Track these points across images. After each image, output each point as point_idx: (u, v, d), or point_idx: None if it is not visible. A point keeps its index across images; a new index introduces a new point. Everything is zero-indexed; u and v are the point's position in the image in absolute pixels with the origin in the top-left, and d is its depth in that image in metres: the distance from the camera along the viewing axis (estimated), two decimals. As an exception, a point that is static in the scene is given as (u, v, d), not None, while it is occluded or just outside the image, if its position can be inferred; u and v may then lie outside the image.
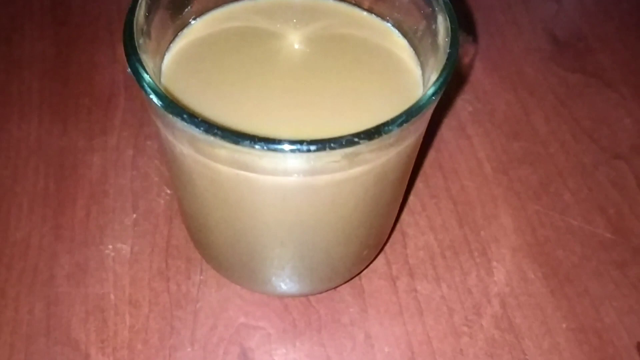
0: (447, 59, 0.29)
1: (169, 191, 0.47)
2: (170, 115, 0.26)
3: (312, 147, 0.25)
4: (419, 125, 0.31)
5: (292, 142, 0.25)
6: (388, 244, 0.45)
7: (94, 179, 0.47)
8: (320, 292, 0.42)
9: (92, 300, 0.41)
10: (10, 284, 0.42)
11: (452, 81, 0.54)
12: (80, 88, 0.53)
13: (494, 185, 0.49)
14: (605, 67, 0.58)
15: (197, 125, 0.26)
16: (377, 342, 0.41)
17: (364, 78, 0.35)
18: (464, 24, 0.60)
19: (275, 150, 0.25)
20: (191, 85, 0.33)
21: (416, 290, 0.43)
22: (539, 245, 0.46)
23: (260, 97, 0.33)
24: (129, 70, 0.28)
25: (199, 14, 0.37)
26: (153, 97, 0.27)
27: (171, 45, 0.35)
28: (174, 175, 0.35)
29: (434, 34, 0.32)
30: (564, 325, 0.42)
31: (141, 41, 0.30)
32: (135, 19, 0.30)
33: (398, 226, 0.46)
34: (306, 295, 0.42)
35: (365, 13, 0.38)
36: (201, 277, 0.43)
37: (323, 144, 0.25)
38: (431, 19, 0.32)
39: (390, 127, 0.26)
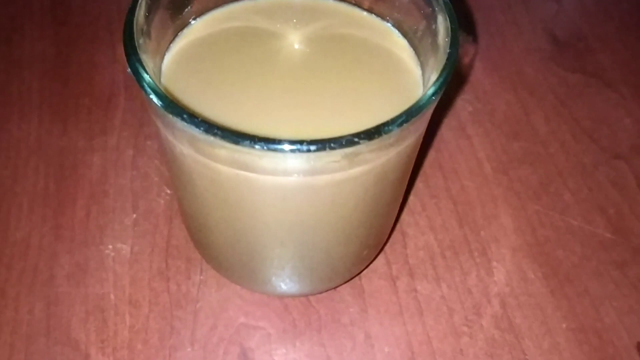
0: (447, 59, 0.29)
1: (169, 191, 0.47)
2: (170, 115, 0.26)
3: (312, 147, 0.25)
4: (419, 125, 0.31)
5: (292, 142, 0.25)
6: (388, 244, 0.45)
7: (94, 179, 0.47)
8: (321, 292, 0.42)
9: (92, 300, 0.41)
10: (10, 283, 0.42)
11: (452, 81, 0.54)
12: (80, 88, 0.53)
13: (494, 185, 0.49)
14: (605, 67, 0.58)
15: (197, 125, 0.26)
16: (377, 342, 0.41)
17: (364, 78, 0.35)
18: (464, 24, 0.60)
19: (275, 150, 0.25)
20: (191, 85, 0.33)
21: (416, 290, 0.43)
22: (539, 245, 0.46)
23: (260, 97, 0.33)
24: (129, 70, 0.28)
25: (199, 14, 0.37)
26: (153, 97, 0.27)
27: (171, 45, 0.35)
28: (174, 175, 0.35)
29: (434, 34, 0.32)
30: (564, 325, 0.42)
31: (141, 41, 0.30)
32: (135, 19, 0.30)
33: (398, 226, 0.46)
34: (306, 295, 0.42)
35: (365, 13, 0.38)
36: (201, 277, 0.43)
37: (323, 144, 0.25)
38: (431, 19, 0.32)
39: (390, 127, 0.26)
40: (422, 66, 0.35)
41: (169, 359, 0.39)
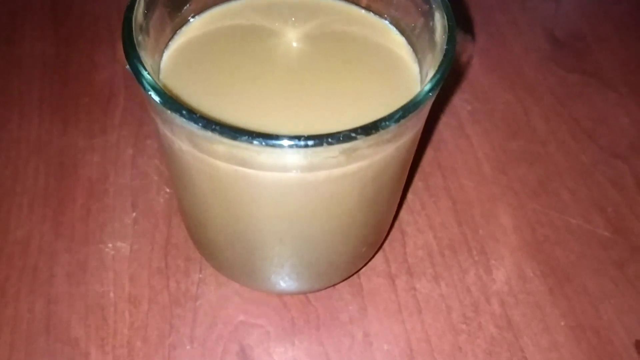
0: (444, 56, 0.29)
1: (168, 190, 0.47)
2: (169, 112, 0.26)
3: (310, 142, 0.25)
4: (417, 121, 0.31)
5: (290, 138, 0.25)
6: (387, 243, 0.45)
7: (94, 178, 0.47)
8: (319, 290, 0.42)
9: (92, 298, 0.42)
10: (11, 282, 0.42)
11: (451, 81, 0.55)
12: (80, 88, 0.53)
13: (493, 184, 0.49)
14: (604, 66, 0.58)
15: (196, 121, 0.26)
16: (376, 340, 0.41)
17: (362, 75, 0.35)
18: (463, 24, 0.60)
19: (273, 145, 0.25)
20: (189, 82, 0.34)
21: (415, 289, 0.43)
22: (538, 243, 0.46)
23: (258, 95, 0.34)
24: (127, 66, 0.28)
25: (198, 12, 0.37)
26: (152, 93, 0.27)
27: (170, 43, 0.35)
28: (173, 172, 0.35)
29: (432, 31, 0.32)
30: (562, 323, 0.42)
31: (140, 38, 0.30)
32: (134, 16, 0.30)
33: (397, 225, 0.46)
34: (305, 293, 0.42)
35: (363, 11, 0.38)
36: (200, 276, 0.43)
37: (321, 139, 0.25)
38: (428, 16, 0.32)
39: (387, 123, 0.26)
40: (420, 63, 0.35)
41: (168, 356, 0.40)
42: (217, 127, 0.25)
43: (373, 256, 0.43)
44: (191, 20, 0.37)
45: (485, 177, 0.49)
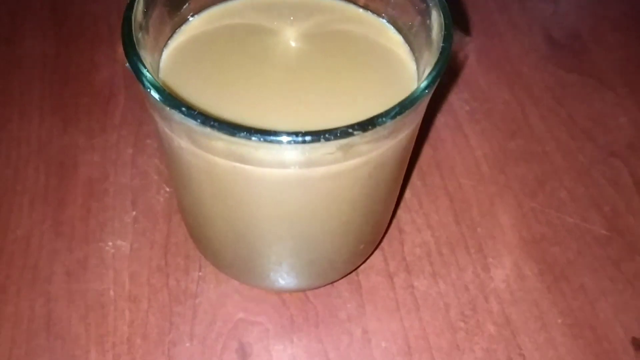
0: (441, 53, 0.29)
1: (168, 189, 0.47)
2: (168, 108, 0.27)
3: (307, 138, 0.26)
4: (413, 118, 0.31)
5: (287, 134, 0.26)
6: (385, 241, 0.45)
7: (94, 177, 0.48)
8: (318, 287, 0.42)
9: (92, 296, 0.42)
10: (12, 280, 0.42)
11: (450, 80, 0.55)
12: (81, 88, 0.53)
13: (491, 183, 0.49)
14: (601, 66, 0.58)
15: (195, 117, 0.26)
16: (374, 338, 0.41)
17: (360, 73, 0.35)
18: (461, 24, 0.60)
19: (271, 141, 0.26)
20: (188, 80, 0.34)
21: (413, 287, 0.43)
22: (535, 242, 0.46)
23: (257, 93, 0.34)
24: (127, 64, 0.28)
25: (197, 11, 0.37)
26: (151, 90, 0.27)
27: (169, 41, 0.36)
28: (173, 170, 0.35)
29: (428, 29, 0.32)
30: (559, 321, 0.42)
31: (139, 36, 0.30)
32: (133, 14, 0.30)
33: (395, 223, 0.46)
34: (304, 290, 0.43)
35: (361, 10, 0.38)
36: (200, 274, 0.43)
37: (318, 135, 0.26)
38: (425, 14, 0.32)
39: (384, 119, 0.26)
40: (417, 61, 0.35)
41: (167, 353, 0.40)
42: (216, 123, 0.26)
43: (371, 254, 0.44)
44: (190, 19, 0.37)
45: (484, 176, 0.50)
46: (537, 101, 0.55)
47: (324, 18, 0.38)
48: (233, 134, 0.26)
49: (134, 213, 0.46)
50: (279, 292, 0.43)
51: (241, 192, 0.31)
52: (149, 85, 0.27)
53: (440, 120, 0.53)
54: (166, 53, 0.35)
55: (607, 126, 0.53)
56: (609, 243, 0.46)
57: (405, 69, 0.35)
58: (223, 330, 0.41)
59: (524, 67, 0.58)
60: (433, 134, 0.52)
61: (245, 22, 0.37)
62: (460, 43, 0.59)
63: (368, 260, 0.44)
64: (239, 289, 0.43)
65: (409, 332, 0.41)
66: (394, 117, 0.27)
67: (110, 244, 0.44)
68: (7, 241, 0.44)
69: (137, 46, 0.29)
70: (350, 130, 0.26)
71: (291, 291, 0.42)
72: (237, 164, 0.29)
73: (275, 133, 0.26)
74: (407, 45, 0.36)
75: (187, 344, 0.40)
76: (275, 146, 0.26)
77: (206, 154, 0.29)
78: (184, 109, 0.26)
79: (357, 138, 0.26)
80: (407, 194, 0.48)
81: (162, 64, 0.35)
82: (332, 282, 0.43)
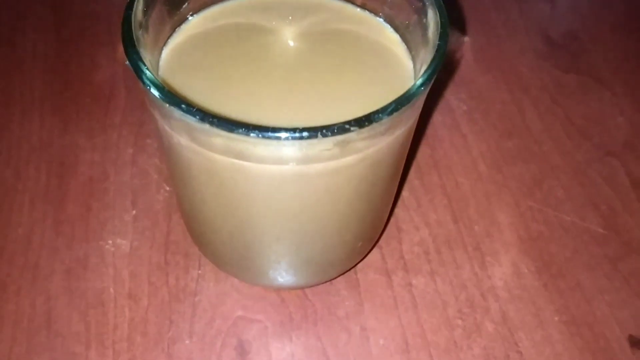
0: (437, 51, 0.30)
1: (168, 188, 0.47)
2: (167, 105, 0.27)
3: (305, 134, 0.26)
4: (410, 115, 0.31)
5: (285, 130, 0.26)
6: (384, 240, 0.46)
7: (95, 176, 0.48)
8: (316, 284, 0.43)
9: (92, 294, 0.42)
10: (12, 278, 0.43)
11: (447, 80, 0.55)
12: (81, 87, 0.54)
13: (488, 182, 0.50)
14: (598, 66, 0.58)
15: (194, 114, 0.26)
16: (373, 335, 0.41)
17: (357, 72, 0.36)
18: (459, 24, 0.61)
19: (269, 137, 0.26)
20: (188, 79, 0.34)
21: (411, 285, 0.44)
22: (532, 240, 0.46)
23: (255, 92, 0.34)
24: (127, 62, 0.29)
25: (196, 10, 0.37)
26: (151, 88, 0.28)
27: (169, 40, 0.36)
28: (172, 168, 0.36)
29: (425, 28, 0.33)
30: (556, 319, 0.43)
31: (139, 34, 0.31)
32: (133, 13, 0.30)
33: (393, 222, 0.47)
34: (302, 288, 0.43)
35: (358, 9, 0.39)
36: (199, 272, 0.43)
37: (315, 131, 0.26)
38: (422, 13, 0.33)
39: (380, 115, 0.27)
40: (414, 60, 0.35)
41: (167, 351, 0.40)
42: (215, 120, 0.26)
43: (369, 252, 0.44)
44: (190, 18, 0.37)
45: (481, 175, 0.50)
46: (534, 101, 0.55)
47: (321, 17, 0.38)
48: (232, 130, 0.26)
49: (134, 212, 0.46)
50: (278, 289, 0.43)
51: (239, 188, 0.31)
52: (148, 82, 0.28)
53: (438, 119, 0.53)
54: (166, 52, 0.35)
55: (604, 125, 0.54)
56: (606, 241, 0.46)
57: (402, 67, 0.36)
58: (222, 328, 0.41)
59: (522, 66, 0.58)
60: (431, 133, 0.52)
61: (244, 22, 0.38)
62: (457, 42, 0.59)
63: (366, 258, 0.44)
64: (238, 287, 0.43)
65: (407, 329, 0.42)
66: (390, 113, 0.27)
67: (110, 242, 0.45)
68: (8, 240, 0.44)
69: (137, 44, 0.29)
70: (347, 126, 0.26)
71: (290, 289, 0.43)
72: (236, 161, 0.29)
73: (274, 129, 0.26)
74: (404, 43, 0.37)
75: (187, 342, 0.40)
76: (274, 142, 0.27)
77: (205, 151, 0.29)
78: (183, 105, 0.27)
79: (354, 134, 0.27)
80: (405, 192, 0.48)
81: (161, 62, 0.35)
82: (330, 280, 0.43)
